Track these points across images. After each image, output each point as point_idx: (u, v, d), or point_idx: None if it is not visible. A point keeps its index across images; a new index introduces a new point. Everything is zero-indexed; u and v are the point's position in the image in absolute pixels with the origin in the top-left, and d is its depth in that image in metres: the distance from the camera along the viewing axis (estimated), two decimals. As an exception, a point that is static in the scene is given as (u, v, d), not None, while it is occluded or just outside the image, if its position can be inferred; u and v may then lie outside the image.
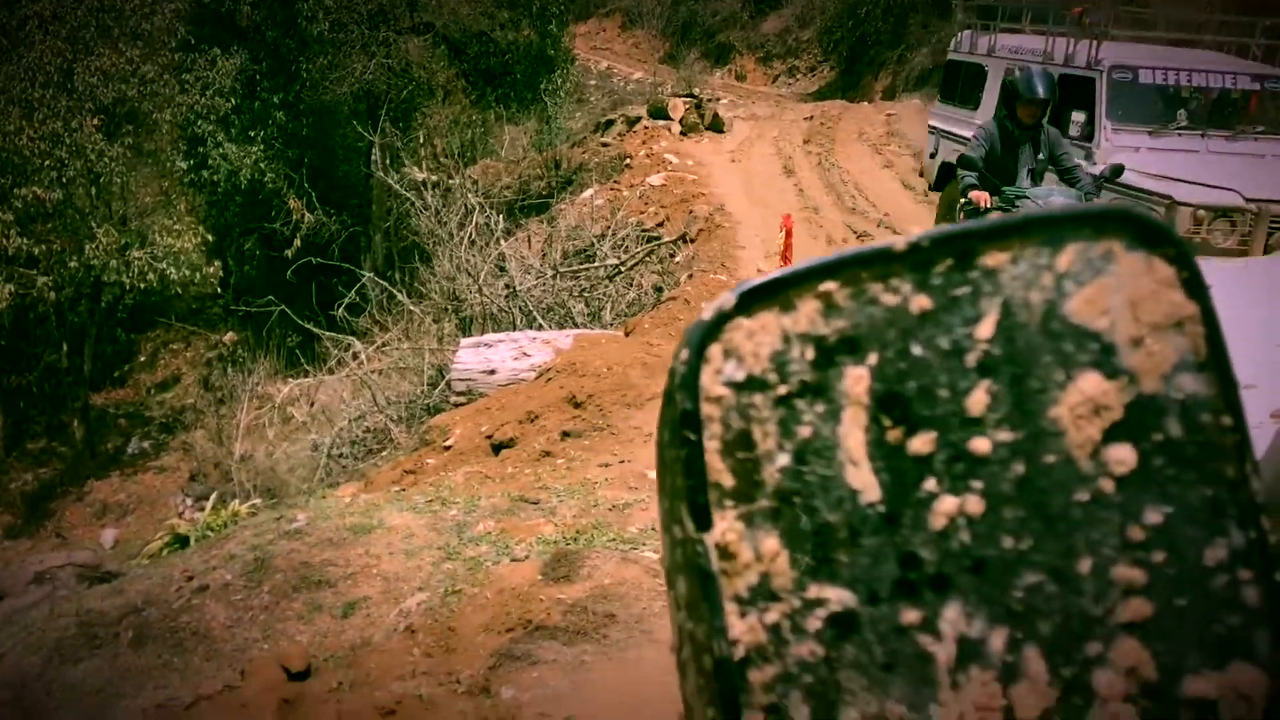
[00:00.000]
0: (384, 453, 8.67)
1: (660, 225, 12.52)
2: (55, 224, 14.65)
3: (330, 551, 4.35)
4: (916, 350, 0.47)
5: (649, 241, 11.82)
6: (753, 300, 0.47)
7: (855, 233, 11.51)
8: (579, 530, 4.41)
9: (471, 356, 7.67)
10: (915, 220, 12.01)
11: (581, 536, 4.34)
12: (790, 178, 14.55)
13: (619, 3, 41.28)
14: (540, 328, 8.77)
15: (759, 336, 0.47)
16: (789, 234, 6.01)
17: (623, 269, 10.61)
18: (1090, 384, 0.47)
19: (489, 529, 4.47)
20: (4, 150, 13.58)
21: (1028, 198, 5.84)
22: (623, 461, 5.21)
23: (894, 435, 0.46)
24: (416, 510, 4.82)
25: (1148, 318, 0.47)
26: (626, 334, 8.04)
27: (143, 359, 20.09)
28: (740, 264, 10.23)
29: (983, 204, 5.83)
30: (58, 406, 17.31)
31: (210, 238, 15.99)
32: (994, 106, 7.55)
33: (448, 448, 6.43)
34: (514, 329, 8.83)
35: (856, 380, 0.46)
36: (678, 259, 11.14)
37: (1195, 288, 0.48)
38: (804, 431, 0.46)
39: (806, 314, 0.47)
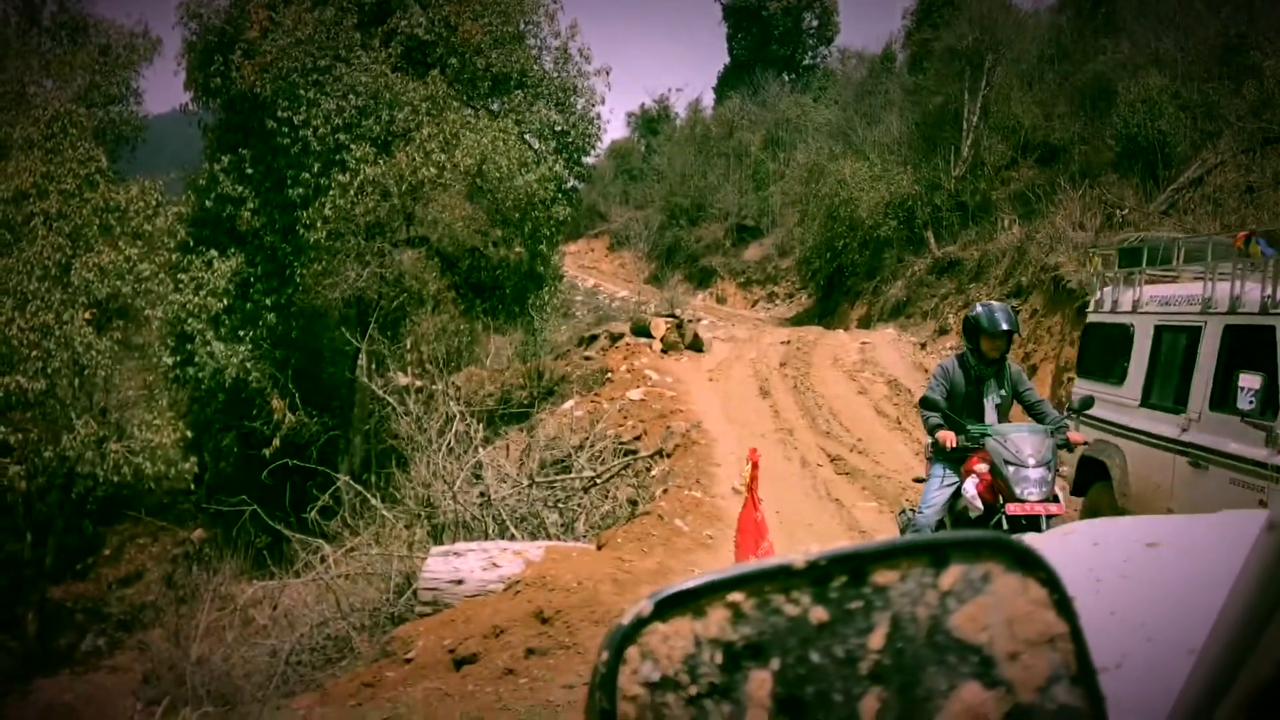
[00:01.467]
0: (344, 662, 8.43)
1: (638, 439, 12.65)
2: (35, 413, 14.66)
3: (279, 767, 4.20)
4: (814, 657, 0.52)
5: (626, 455, 11.91)
6: (668, 607, 0.53)
7: (829, 455, 11.64)
8: (537, 757, 4.28)
9: (441, 565, 7.59)
10: (887, 446, 12.19)
11: (540, 764, 4.21)
12: (766, 399, 14.81)
13: (608, 226, 43.00)
14: (513, 537, 8.72)
15: (673, 641, 0.52)
16: (755, 466, 6.05)
17: (598, 481, 10.65)
18: (971, 693, 0.52)
19: (445, 751, 4.33)
20: (-7, 340, 13.72)
21: (989, 434, 5.84)
22: (587, 683, 5.10)
23: None
24: (371, 729, 4.68)
25: (1023, 634, 0.53)
26: (599, 547, 8.00)
27: (107, 552, 19.69)
28: (715, 481, 10.29)
29: (949, 444, 5.86)
30: (14, 598, 16.81)
31: (189, 433, 15.99)
32: (1141, 377, 7.23)
33: (409, 660, 6.28)
34: (486, 538, 8.78)
35: (760, 684, 0.51)
36: (654, 473, 11.20)
37: (1065, 608, 0.55)
38: None
39: (716, 621, 0.52)
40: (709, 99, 46.69)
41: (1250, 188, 14.14)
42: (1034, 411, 6.24)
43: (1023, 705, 0.52)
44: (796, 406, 14.45)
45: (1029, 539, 1.79)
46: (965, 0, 25.67)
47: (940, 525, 6.14)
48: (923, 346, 18.99)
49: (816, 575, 0.54)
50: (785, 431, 12.88)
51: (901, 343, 19.35)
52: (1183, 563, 1.55)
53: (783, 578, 0.54)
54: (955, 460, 6.08)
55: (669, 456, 11.51)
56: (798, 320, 27.31)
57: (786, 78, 42.22)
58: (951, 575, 0.54)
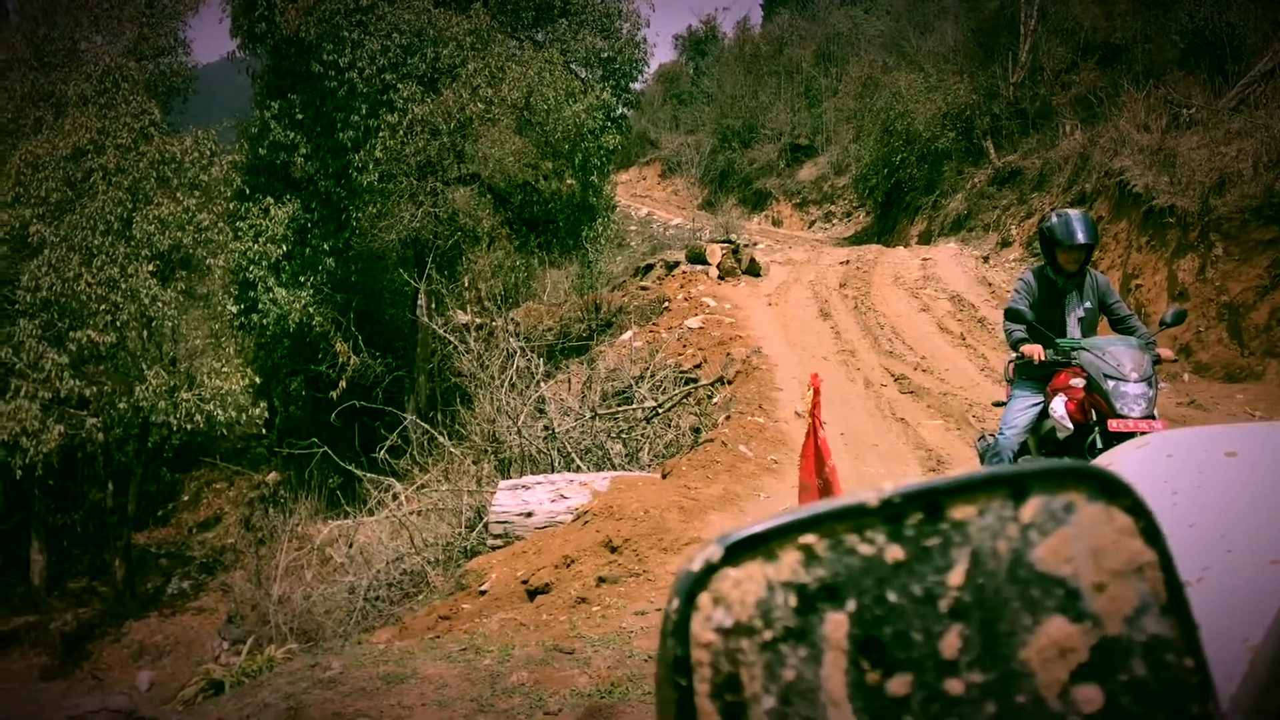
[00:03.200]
0: (420, 596, 8.62)
1: (698, 367, 12.63)
2: (107, 366, 15.04)
3: (363, 701, 4.31)
4: (892, 597, 0.50)
5: (687, 383, 11.91)
6: (738, 551, 0.51)
7: (893, 375, 11.53)
8: (613, 683, 4.34)
9: (509, 499, 7.69)
10: (951, 364, 12.04)
11: (616, 690, 4.27)
12: (827, 320, 14.69)
13: (659, 153, 42.55)
14: (578, 469, 8.79)
15: (745, 585, 0.50)
16: (817, 393, 5.91)
17: (660, 410, 10.68)
18: (1056, 628, 0.49)
19: (522, 680, 4.42)
20: (63, 295, 14.04)
21: (1084, 348, 5.49)
22: (659, 609, 5.16)
23: (872, 678, 0.49)
24: (450, 659, 4.78)
25: (1109, 565, 0.51)
26: (664, 476, 8.04)
27: (186, 498, 20.28)
28: (778, 405, 10.25)
29: (1037, 358, 5.56)
30: (101, 545, 17.45)
31: (257, 379, 16.29)
32: None
33: (483, 593, 6.40)
34: (552, 470, 8.87)
35: (836, 626, 0.49)
36: (715, 400, 11.20)
37: (1153, 536, 0.52)
38: (788, 675, 0.49)
39: (789, 564, 0.50)
40: (757, 16, 45.82)
41: (1327, 77, 13.55)
42: (1122, 326, 5.88)
43: (1111, 637, 0.50)
44: (858, 327, 14.31)
45: (1105, 459, 1.74)
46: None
47: (1023, 449, 5.88)
48: (985, 260, 18.63)
49: (891, 513, 0.51)
50: (847, 353, 12.78)
51: (964, 257, 19.00)
52: (1262, 471, 1.49)
53: (856, 517, 0.51)
54: (1038, 380, 5.78)
55: (730, 383, 11.48)
56: (856, 240, 26.93)
57: (836, -11, 41.18)
58: (1032, 507, 0.52)
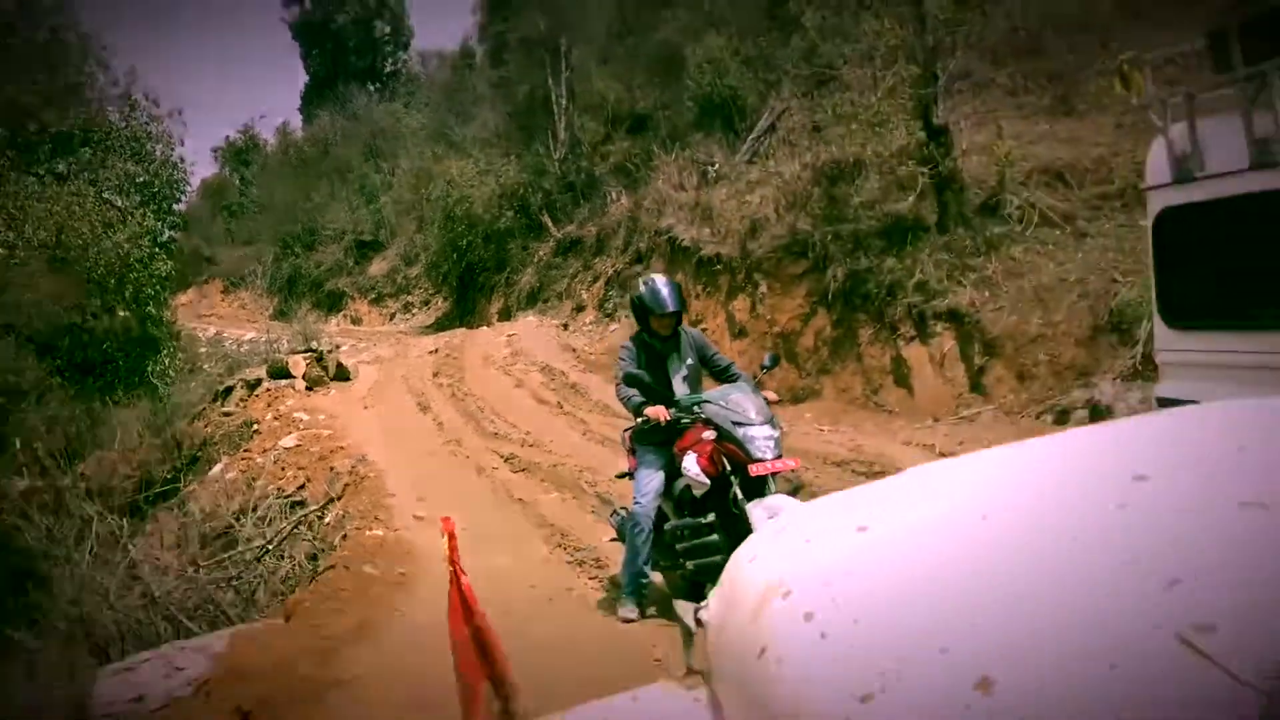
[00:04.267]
0: (22, 823, 7.42)
1: (302, 488, 12.01)
2: None
3: None
4: None
5: (293, 508, 11.28)
6: None
7: (502, 456, 11.63)
8: None
9: (113, 687, 6.82)
10: (555, 433, 12.37)
11: None
12: (427, 413, 14.58)
13: (218, 269, 40.52)
14: (190, 634, 8.00)
15: None
16: (452, 537, 5.63)
17: (270, 547, 10.01)
18: None
19: None
20: None
21: (707, 400, 5.58)
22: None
23: None
24: None
25: None
26: (287, 619, 7.51)
27: None
28: (394, 513, 9.96)
29: (662, 419, 5.61)
30: None
31: None
32: None
33: (99, 804, 5.61)
34: (159, 641, 8.00)
35: None
36: (328, 520, 10.69)
37: None
38: None
39: None
40: (297, 121, 45.11)
41: (816, 126, 15.50)
42: (726, 376, 6.05)
43: None
44: (459, 414, 14.32)
45: (746, 555, 1.81)
46: (530, -11, 26.28)
47: (661, 515, 5.93)
48: (565, 327, 19.43)
49: None
50: (453, 443, 12.73)
51: (544, 327, 19.70)
52: (894, 546, 1.62)
53: None
54: (661, 443, 5.83)
55: (340, 499, 11.02)
56: (439, 326, 27.08)
57: (372, 87, 41.58)
58: None
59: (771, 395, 5.94)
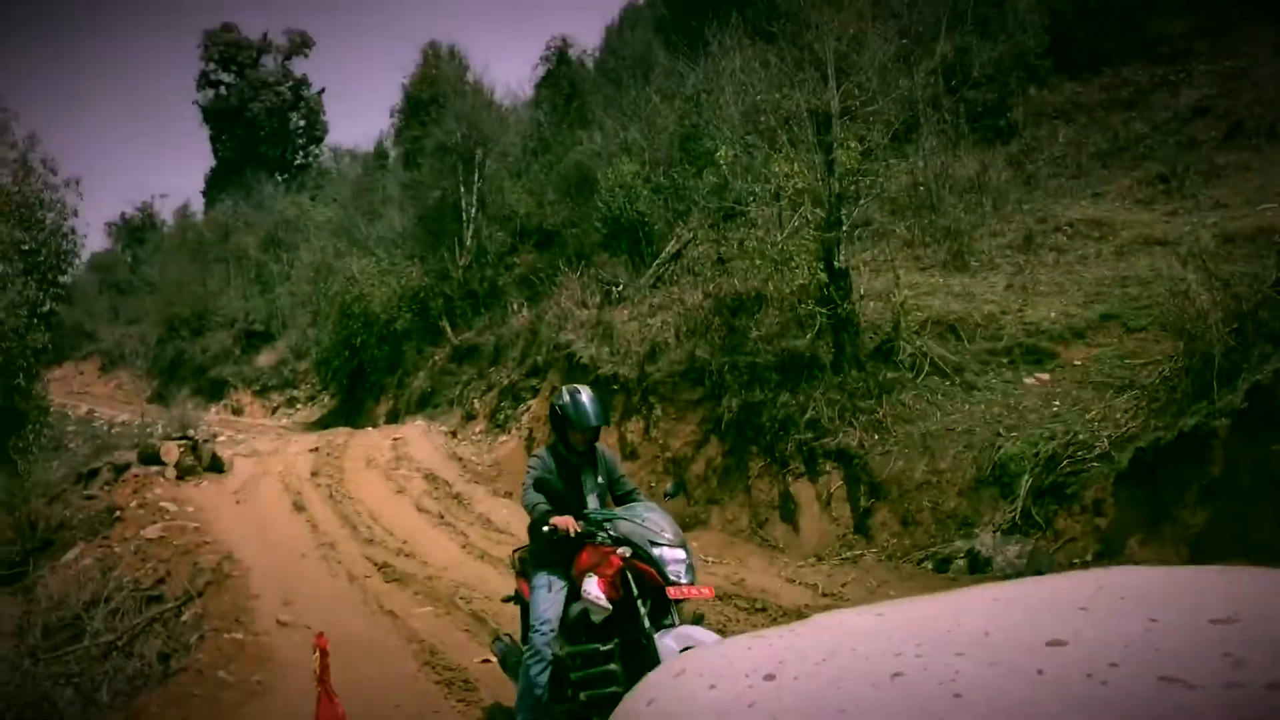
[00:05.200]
0: None
1: (162, 582, 11.42)
2: None
3: None
4: None
5: (150, 603, 10.70)
6: None
7: (375, 564, 11.27)
8: None
9: (-75, 788, 6.28)
10: (433, 544, 12.07)
11: None
12: (302, 513, 14.11)
13: (98, 345, 39.17)
14: (18, 733, 7.43)
15: None
16: (324, 654, 5.22)
17: (119, 644, 9.44)
18: None
19: None
20: None
21: (621, 518, 5.34)
22: None
23: None
24: None
25: None
26: (129, 722, 7.05)
27: None
28: (255, 616, 9.54)
29: (572, 530, 5.28)
30: None
31: None
32: None
33: None
34: (-17, 740, 7.40)
35: None
36: (185, 619, 10.15)
37: None
38: None
39: None
40: (199, 203, 44.47)
41: (721, 258, 15.87)
42: (629, 499, 5.82)
43: None
44: (335, 516, 13.89)
45: (642, 699, 1.75)
46: (450, 99, 26.68)
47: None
48: (453, 435, 19.15)
49: None
50: (326, 546, 12.30)
51: (432, 433, 19.38)
52: (804, 695, 1.58)
53: None
54: (558, 562, 5.51)
55: (200, 596, 10.51)
56: (324, 423, 26.44)
57: (280, 177, 41.34)
58: None
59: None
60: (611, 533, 5.29)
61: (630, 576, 5.14)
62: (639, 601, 5.08)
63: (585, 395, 5.73)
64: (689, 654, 1.87)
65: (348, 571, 11.13)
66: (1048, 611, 1.67)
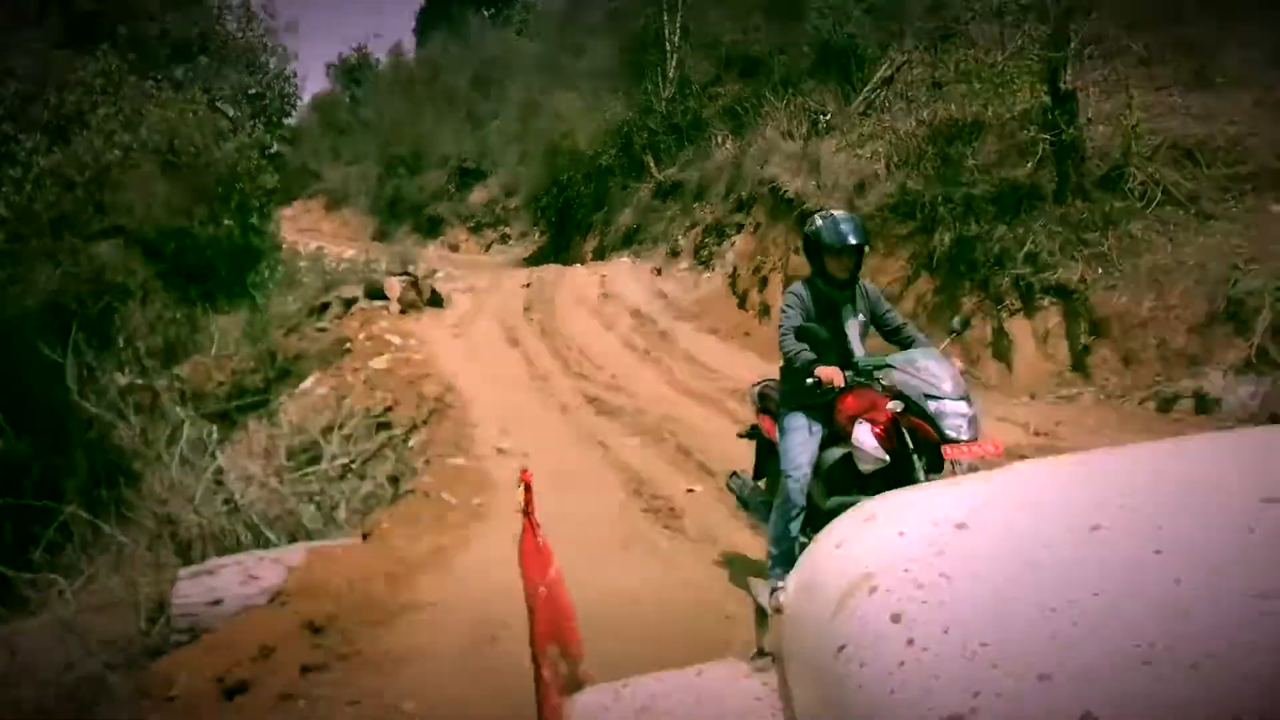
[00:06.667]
0: (99, 707, 7.72)
1: (389, 410, 12.18)
2: None
3: None
4: None
5: (379, 429, 11.45)
6: None
7: (587, 397, 11.63)
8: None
9: (192, 587, 7.02)
10: (640, 380, 12.31)
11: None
12: (516, 348, 14.64)
13: (323, 184, 41.11)
14: (269, 543, 8.19)
15: None
16: (529, 489, 5.25)
17: (353, 466, 10.19)
18: None
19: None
20: None
21: (891, 365, 4.71)
22: (376, 700, 4.81)
23: None
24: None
25: None
26: (365, 537, 7.63)
27: None
28: (475, 443, 10.05)
29: (838, 383, 4.70)
30: None
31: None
32: None
33: (171, 699, 5.78)
34: (239, 547, 8.20)
35: None
36: (411, 445, 10.83)
37: None
38: None
39: None
40: (411, 42, 45.34)
41: (937, 83, 14.99)
42: (899, 337, 5.20)
43: None
44: (547, 351, 14.36)
45: (831, 543, 1.69)
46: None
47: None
48: (658, 272, 19.27)
49: None
50: (540, 379, 12.78)
51: (637, 270, 19.57)
52: (997, 543, 1.49)
53: None
54: (813, 405, 4.97)
55: (425, 424, 11.16)
56: (534, 259, 27.14)
57: (486, 14, 41.46)
58: None
59: (959, 365, 4.92)
60: (883, 381, 4.73)
61: (904, 429, 4.62)
62: (914, 456, 4.55)
63: (841, 215, 5.09)
64: (881, 498, 1.78)
65: (560, 403, 11.53)
66: (1269, 465, 1.50)
